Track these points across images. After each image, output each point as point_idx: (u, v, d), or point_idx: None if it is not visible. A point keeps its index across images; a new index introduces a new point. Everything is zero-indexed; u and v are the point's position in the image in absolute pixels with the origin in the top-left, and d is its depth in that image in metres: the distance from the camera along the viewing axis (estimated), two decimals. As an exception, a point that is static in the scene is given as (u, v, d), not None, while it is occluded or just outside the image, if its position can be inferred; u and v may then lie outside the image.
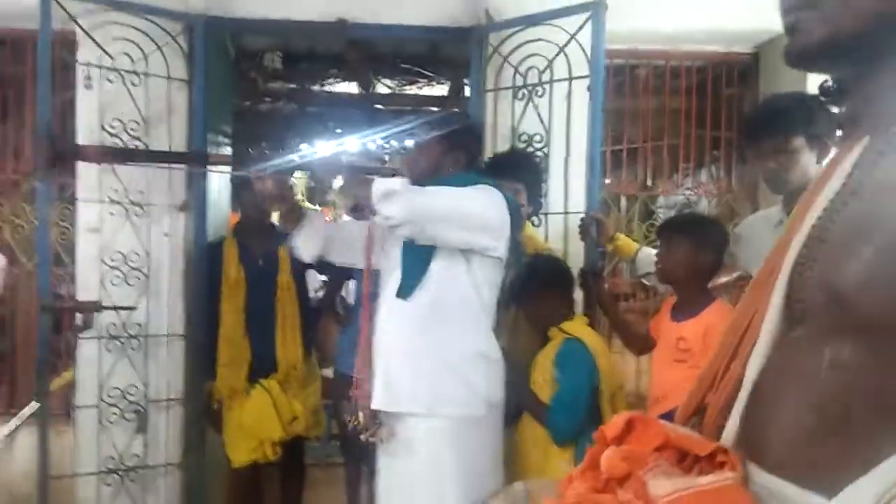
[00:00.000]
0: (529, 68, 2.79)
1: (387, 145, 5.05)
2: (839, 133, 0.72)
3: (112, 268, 2.79)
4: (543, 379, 2.12)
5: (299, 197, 7.69)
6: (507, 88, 2.84)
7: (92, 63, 2.74)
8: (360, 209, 2.88)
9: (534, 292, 2.18)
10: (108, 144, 2.76)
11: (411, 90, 4.58)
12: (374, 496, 2.06)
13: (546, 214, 2.73)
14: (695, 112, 3.35)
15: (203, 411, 2.88)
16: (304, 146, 5.12)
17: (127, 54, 2.77)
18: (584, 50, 2.59)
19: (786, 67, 0.67)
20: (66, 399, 3.10)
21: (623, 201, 3.46)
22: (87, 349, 2.79)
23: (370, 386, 1.94)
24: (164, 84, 2.86)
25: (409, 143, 2.15)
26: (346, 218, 4.69)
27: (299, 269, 2.92)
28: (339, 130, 5.34)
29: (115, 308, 2.73)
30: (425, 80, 4.33)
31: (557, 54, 2.70)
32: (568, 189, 2.72)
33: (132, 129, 2.81)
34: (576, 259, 2.56)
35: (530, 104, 2.79)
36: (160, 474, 2.89)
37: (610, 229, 2.53)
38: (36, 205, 2.70)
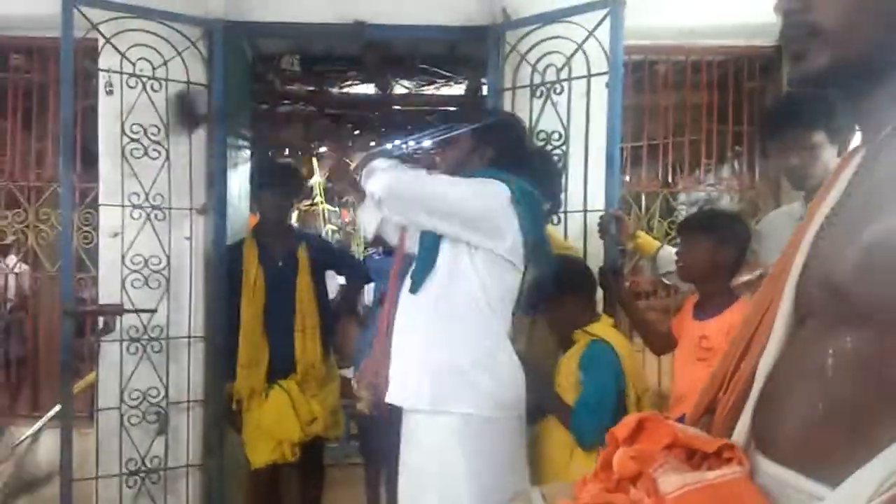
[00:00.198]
0: (547, 66, 2.76)
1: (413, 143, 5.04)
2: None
3: (133, 271, 2.83)
4: (568, 382, 2.09)
5: (318, 199, 7.73)
6: (524, 87, 2.82)
7: (113, 70, 2.78)
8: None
9: (558, 296, 2.14)
10: (128, 149, 2.80)
11: (429, 90, 4.58)
12: (392, 496, 2.06)
13: (565, 213, 2.71)
14: (716, 107, 3.30)
15: (223, 413, 2.90)
16: (322, 148, 5.15)
17: (147, 60, 2.81)
18: (602, 46, 2.56)
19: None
20: (88, 401, 3.15)
21: (643, 199, 3.42)
22: (109, 352, 2.83)
23: (380, 367, 1.97)
24: (184, 89, 2.89)
25: (439, 138, 2.16)
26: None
27: (318, 270, 2.94)
28: (357, 132, 5.35)
29: (137, 311, 2.77)
30: (443, 81, 4.32)
31: (575, 51, 2.67)
32: (587, 187, 2.69)
33: (153, 134, 2.85)
34: (595, 258, 2.54)
35: (548, 102, 2.76)
36: (181, 475, 2.92)
37: (630, 227, 2.49)
38: (59, 210, 2.75)
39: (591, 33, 2.60)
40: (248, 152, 3.42)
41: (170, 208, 2.87)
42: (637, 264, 3.30)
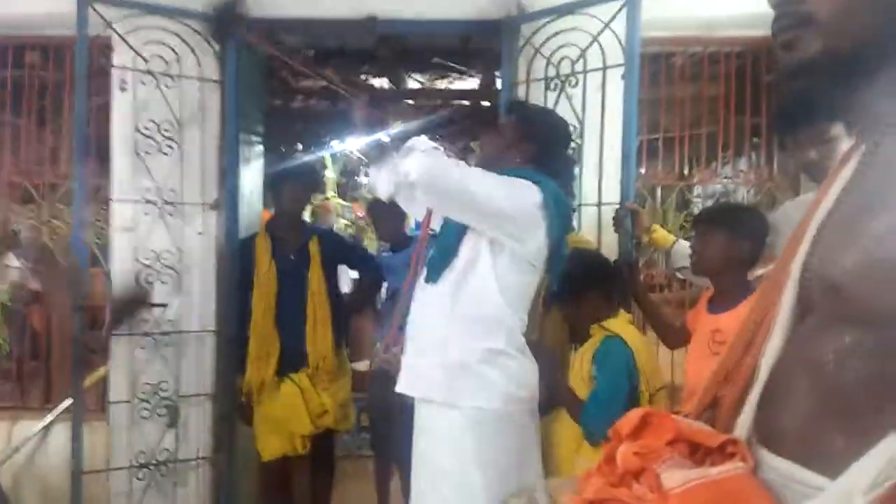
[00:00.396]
0: (562, 59, 2.73)
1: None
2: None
3: (145, 266, 2.84)
4: (581, 377, 2.08)
5: (330, 194, 7.72)
6: (539, 80, 2.79)
7: (127, 66, 2.80)
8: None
9: (577, 290, 2.12)
10: (141, 145, 2.81)
11: (442, 84, 4.55)
12: (406, 488, 2.05)
13: (580, 206, 2.68)
14: (733, 99, 3.25)
15: (234, 406, 2.91)
16: (335, 143, 5.14)
17: (161, 57, 2.83)
18: (618, 39, 2.52)
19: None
20: (99, 395, 3.17)
21: (659, 192, 3.37)
22: (121, 346, 2.84)
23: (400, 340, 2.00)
24: (197, 85, 2.90)
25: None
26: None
27: (330, 264, 2.93)
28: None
29: (150, 305, 2.77)
30: (456, 74, 4.30)
31: (591, 44, 2.64)
32: (602, 180, 2.66)
33: (166, 130, 2.86)
34: (610, 251, 2.51)
35: (563, 95, 2.73)
36: (191, 468, 2.94)
37: (645, 220, 2.46)
38: (72, 207, 2.76)
39: (606, 25, 2.56)
40: (259, 147, 3.42)
41: (182, 203, 2.89)
42: (651, 257, 3.27)
